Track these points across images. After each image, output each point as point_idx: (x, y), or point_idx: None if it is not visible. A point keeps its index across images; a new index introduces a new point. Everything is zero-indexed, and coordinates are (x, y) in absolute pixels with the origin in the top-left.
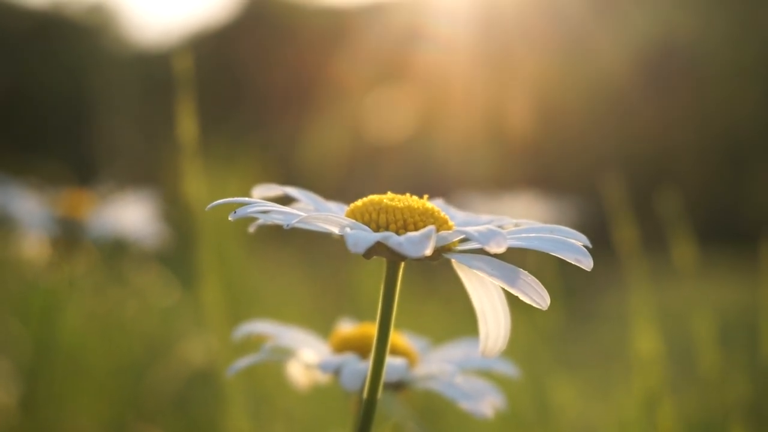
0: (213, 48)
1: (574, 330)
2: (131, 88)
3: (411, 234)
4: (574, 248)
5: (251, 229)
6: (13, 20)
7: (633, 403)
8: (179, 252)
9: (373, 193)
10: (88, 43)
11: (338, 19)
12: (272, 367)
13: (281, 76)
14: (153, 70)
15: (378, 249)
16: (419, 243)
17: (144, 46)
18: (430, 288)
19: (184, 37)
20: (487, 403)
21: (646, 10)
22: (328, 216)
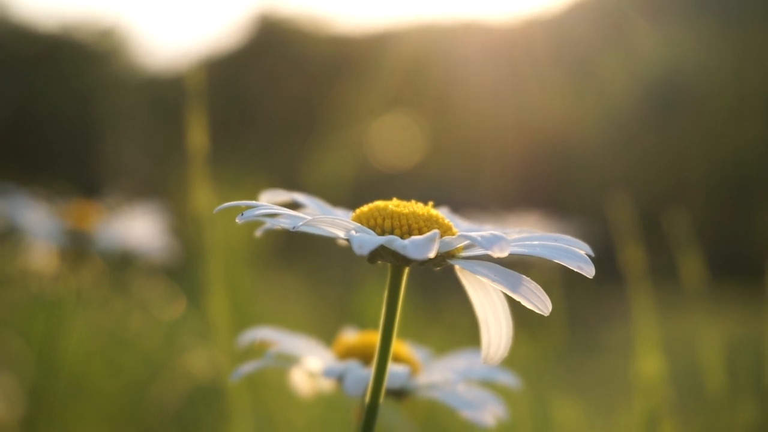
0: (222, 73)
1: (579, 360)
2: (140, 113)
3: (415, 237)
4: (576, 256)
5: (258, 233)
6: (25, 43)
7: (635, 422)
8: (184, 266)
9: None
10: (97, 67)
11: (346, 47)
12: (275, 381)
13: (289, 101)
14: (162, 95)
15: (382, 253)
16: (423, 246)
17: (153, 71)
18: (434, 317)
19: (193, 62)
20: (489, 413)
21: (653, 42)
22: (334, 219)
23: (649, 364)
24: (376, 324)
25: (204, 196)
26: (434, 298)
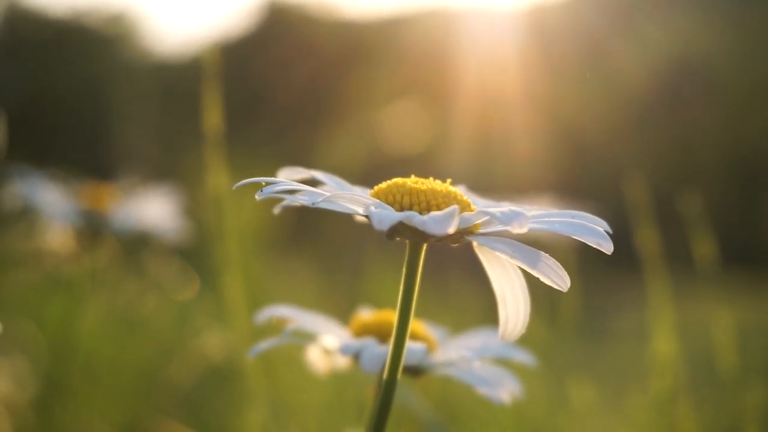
0: (231, 59)
1: (592, 346)
2: (149, 98)
3: (435, 213)
4: (595, 232)
5: (276, 210)
6: (35, 29)
7: (649, 402)
8: (198, 248)
9: None
10: (107, 52)
11: (356, 33)
12: (288, 362)
13: (299, 87)
14: (172, 80)
15: (401, 229)
16: (442, 221)
17: (163, 56)
18: (443, 301)
19: (203, 47)
20: (505, 390)
21: (664, 27)
22: (353, 196)
23: (664, 344)
24: (387, 308)
25: (220, 177)
26: (443, 282)
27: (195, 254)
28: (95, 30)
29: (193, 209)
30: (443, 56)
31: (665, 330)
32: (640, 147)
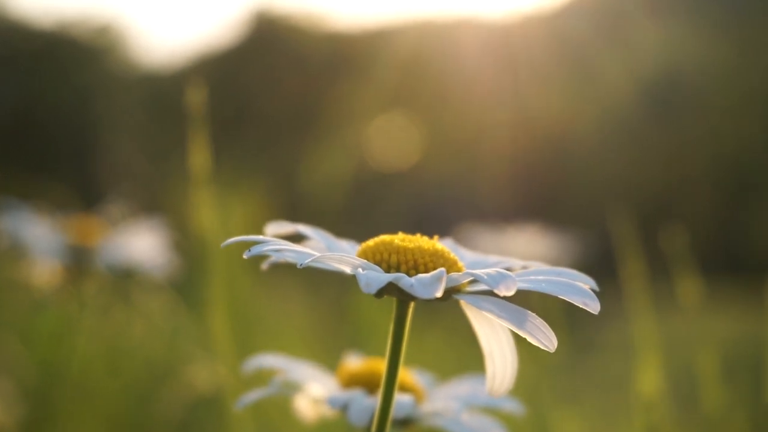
0: (218, 71)
1: (577, 361)
2: (138, 110)
3: (422, 276)
4: (581, 291)
5: (264, 266)
6: (21, 41)
7: None
8: (186, 278)
9: (375, 220)
10: (95, 64)
11: (343, 44)
12: (278, 398)
13: (286, 99)
14: (159, 92)
15: (389, 289)
16: (430, 285)
17: (150, 68)
18: (432, 319)
19: (190, 59)
20: None
21: (653, 41)
22: (341, 257)
23: (648, 380)
24: (375, 328)
25: (206, 215)
26: (433, 302)
27: (184, 282)
28: (82, 42)
29: (182, 241)
30: (431, 68)
31: (649, 370)
32: (630, 157)
